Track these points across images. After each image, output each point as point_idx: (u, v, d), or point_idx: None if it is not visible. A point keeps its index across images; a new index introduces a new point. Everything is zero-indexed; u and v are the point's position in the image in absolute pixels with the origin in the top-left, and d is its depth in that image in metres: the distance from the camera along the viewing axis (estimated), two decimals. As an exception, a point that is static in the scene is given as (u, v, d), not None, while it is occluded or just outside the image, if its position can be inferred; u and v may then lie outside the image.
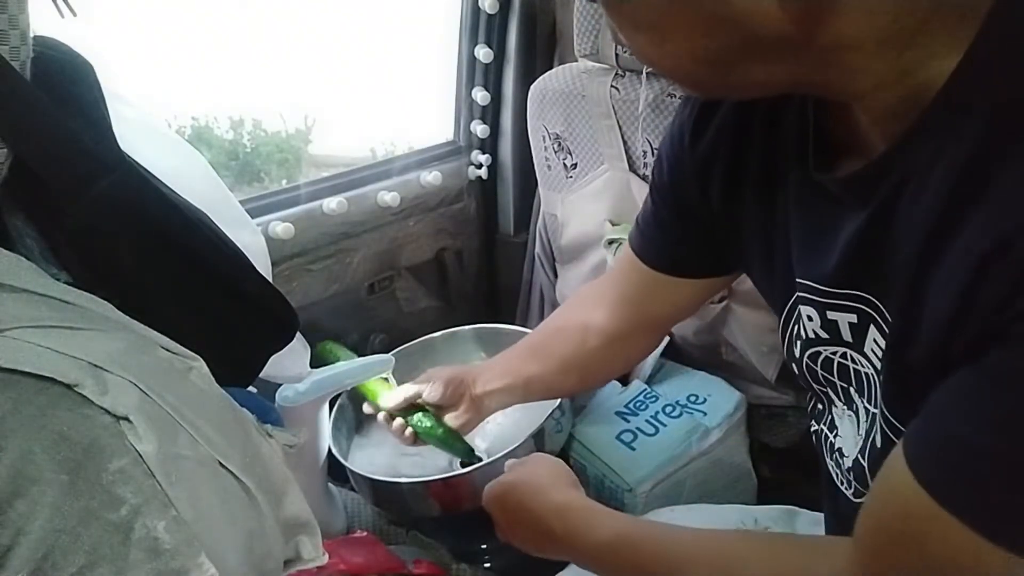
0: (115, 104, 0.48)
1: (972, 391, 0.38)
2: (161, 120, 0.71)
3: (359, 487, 1.04)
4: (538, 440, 1.00)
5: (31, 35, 0.43)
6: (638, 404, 1.17)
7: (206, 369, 0.48)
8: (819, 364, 0.57)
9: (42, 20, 0.45)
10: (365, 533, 1.02)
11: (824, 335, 0.54)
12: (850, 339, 0.52)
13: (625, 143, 1.14)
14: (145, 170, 0.50)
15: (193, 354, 0.47)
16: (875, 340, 0.49)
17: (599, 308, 0.79)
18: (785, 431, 1.18)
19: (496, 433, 1.10)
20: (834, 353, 0.55)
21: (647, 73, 1.05)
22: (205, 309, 0.54)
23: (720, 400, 1.16)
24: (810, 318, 0.55)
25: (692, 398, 1.17)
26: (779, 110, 0.54)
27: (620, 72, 1.11)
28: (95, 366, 0.39)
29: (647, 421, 1.14)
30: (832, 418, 0.61)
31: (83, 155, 0.45)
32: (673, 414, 1.14)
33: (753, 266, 0.63)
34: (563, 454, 1.11)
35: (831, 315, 0.52)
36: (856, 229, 0.47)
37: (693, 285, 0.72)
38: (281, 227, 1.11)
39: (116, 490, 0.37)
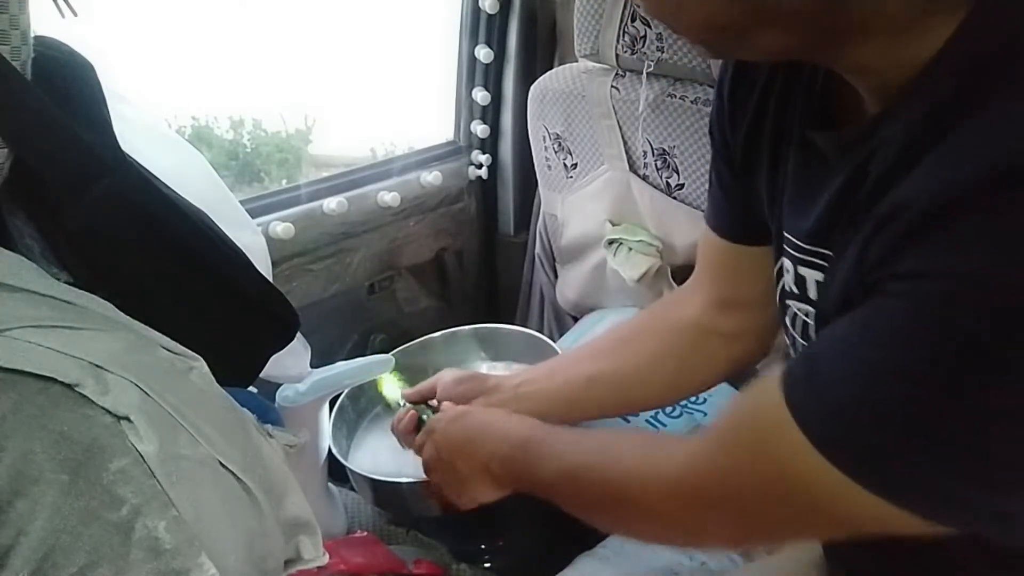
0: (115, 104, 0.48)
1: (843, 332, 0.42)
2: (161, 120, 0.71)
3: (359, 487, 1.04)
4: (538, 440, 1.00)
5: (32, 35, 0.43)
6: (638, 404, 1.17)
7: (206, 369, 0.48)
8: (790, 319, 0.59)
9: (43, 20, 0.45)
10: (365, 533, 1.02)
11: (795, 290, 0.56)
12: (814, 297, 0.54)
13: (625, 143, 1.14)
14: (145, 170, 0.50)
15: (194, 354, 0.47)
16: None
17: (687, 303, 0.74)
18: (785, 431, 1.18)
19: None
20: (799, 310, 0.56)
21: (647, 73, 1.05)
22: (205, 309, 0.54)
23: (720, 400, 1.16)
24: (787, 271, 0.57)
25: (692, 398, 1.17)
26: (794, 80, 0.55)
27: (620, 72, 1.11)
28: (96, 366, 0.39)
29: (647, 421, 1.13)
30: None
31: (83, 155, 0.45)
32: (673, 414, 1.14)
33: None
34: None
35: (801, 270, 0.54)
36: (835, 189, 0.49)
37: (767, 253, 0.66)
38: (281, 227, 1.11)
39: (117, 490, 0.37)
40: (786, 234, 0.56)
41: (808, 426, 0.42)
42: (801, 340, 0.58)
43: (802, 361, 0.45)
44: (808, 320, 0.56)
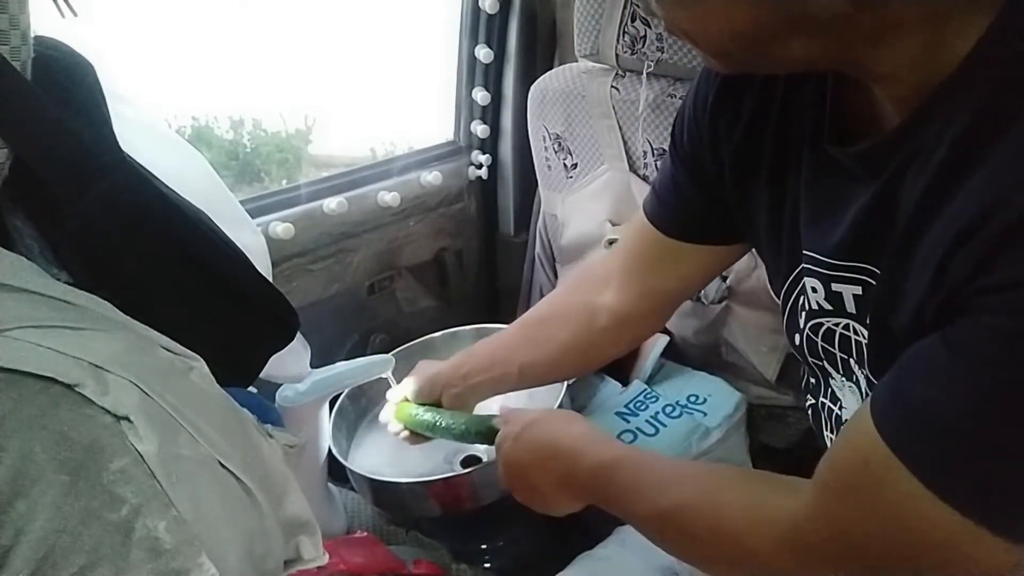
0: (115, 104, 0.48)
1: (933, 356, 0.40)
2: (161, 120, 0.71)
3: (359, 487, 1.04)
4: (538, 440, 1.00)
5: (32, 35, 0.43)
6: (638, 404, 1.17)
7: (206, 369, 0.48)
8: (820, 336, 0.58)
9: (42, 20, 0.45)
10: (365, 533, 1.02)
11: (828, 307, 0.55)
12: (854, 311, 0.53)
13: (625, 143, 1.14)
14: (145, 170, 0.50)
15: (193, 354, 0.47)
16: None
17: (606, 288, 0.78)
18: (785, 431, 1.18)
19: (496, 433, 1.10)
20: (836, 324, 0.55)
21: (647, 74, 1.05)
22: (205, 309, 0.54)
23: (720, 400, 1.16)
24: (814, 290, 0.56)
25: (692, 398, 1.17)
26: (796, 92, 0.54)
27: (620, 72, 1.11)
28: (96, 366, 0.39)
29: (647, 421, 1.13)
30: (832, 391, 0.62)
31: (83, 155, 0.45)
32: (673, 414, 1.14)
33: (761, 243, 0.63)
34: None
35: (835, 287, 0.53)
36: (865, 202, 0.48)
37: (702, 255, 0.71)
38: (281, 227, 1.11)
39: (117, 490, 0.37)
40: (808, 252, 0.55)
41: (909, 457, 0.40)
42: (840, 353, 0.57)
43: (890, 392, 0.43)
44: (848, 333, 0.55)
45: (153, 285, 0.50)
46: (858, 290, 0.52)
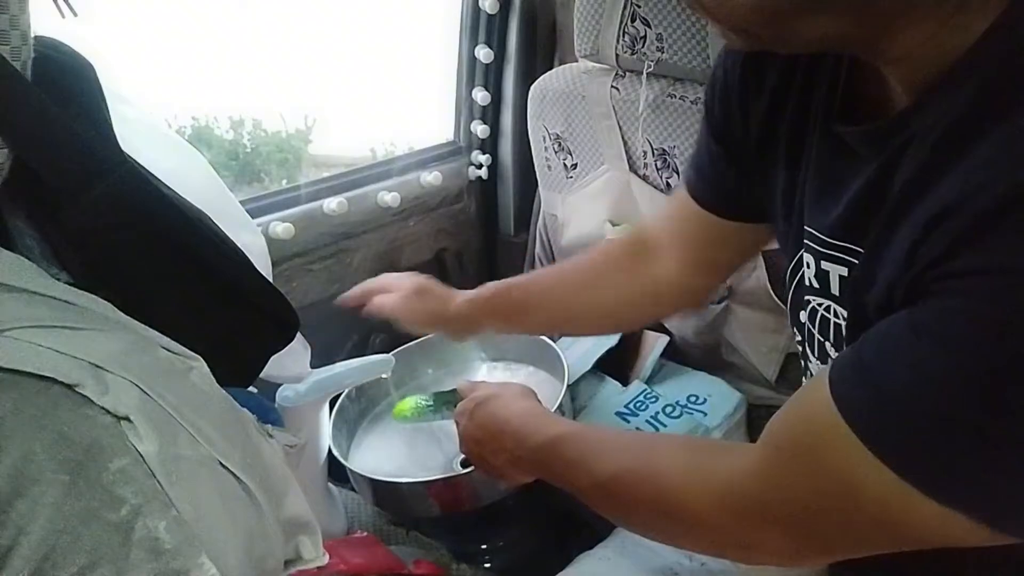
0: (116, 104, 0.48)
1: (896, 333, 0.41)
2: (161, 120, 0.71)
3: (359, 487, 1.04)
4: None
5: (32, 35, 0.43)
6: (638, 404, 1.17)
7: (206, 369, 0.48)
8: (807, 313, 0.59)
9: (43, 20, 0.45)
10: (365, 533, 1.02)
11: (816, 285, 0.56)
12: (837, 292, 0.53)
13: (625, 143, 1.14)
14: (145, 170, 0.50)
15: (193, 354, 0.47)
16: None
17: (663, 260, 0.78)
18: (785, 431, 1.18)
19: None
20: (819, 305, 0.56)
21: (647, 73, 1.05)
22: (205, 309, 0.54)
23: (720, 400, 1.16)
24: (808, 265, 0.57)
25: (692, 398, 1.17)
26: (814, 72, 0.54)
27: (620, 72, 1.11)
28: (96, 366, 0.39)
29: (647, 421, 1.13)
30: (810, 372, 0.63)
31: (84, 155, 0.45)
32: (673, 415, 1.14)
33: (777, 223, 0.64)
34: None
35: (824, 265, 0.54)
36: (862, 182, 0.48)
37: (744, 232, 0.71)
38: (281, 227, 1.11)
39: (117, 490, 0.37)
40: (808, 228, 0.56)
41: (858, 424, 0.42)
42: (819, 335, 0.57)
43: (851, 361, 0.44)
44: (828, 315, 0.55)
45: (153, 285, 0.50)
46: (844, 271, 0.52)
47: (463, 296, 0.87)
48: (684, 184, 0.73)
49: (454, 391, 0.88)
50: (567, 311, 0.84)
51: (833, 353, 0.56)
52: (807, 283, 0.57)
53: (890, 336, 0.42)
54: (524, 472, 0.70)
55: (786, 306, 0.65)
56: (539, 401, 0.76)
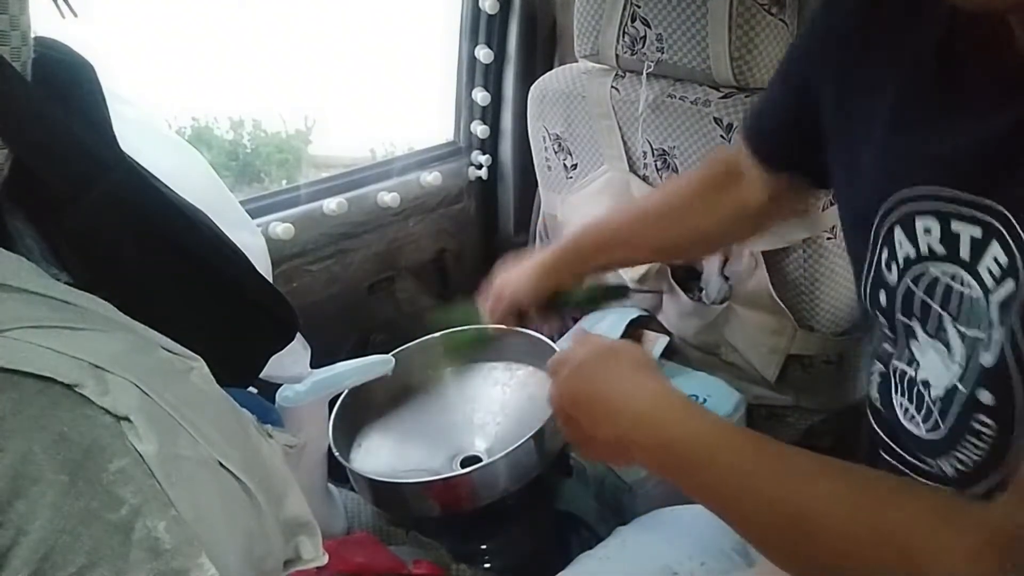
0: (115, 104, 0.48)
1: None
2: (161, 120, 0.71)
3: (359, 487, 1.04)
4: (538, 440, 1.00)
5: (32, 36, 0.43)
6: (638, 404, 1.17)
7: (206, 369, 0.48)
8: (921, 286, 0.53)
9: (43, 20, 0.45)
10: (365, 533, 1.02)
11: (941, 251, 0.51)
12: (967, 257, 0.49)
13: (625, 144, 1.14)
14: (145, 170, 0.50)
15: (193, 354, 0.47)
16: (995, 259, 0.47)
17: (735, 182, 0.81)
18: (785, 431, 1.18)
19: (496, 433, 1.10)
20: (943, 273, 0.51)
21: (647, 74, 1.05)
22: (205, 309, 0.54)
23: (720, 400, 1.16)
24: (928, 231, 0.51)
25: (692, 398, 1.17)
26: (913, 14, 0.53)
27: (620, 73, 1.11)
28: (96, 366, 0.39)
29: (647, 421, 1.13)
30: (911, 352, 0.57)
31: (83, 155, 0.45)
32: (673, 414, 1.14)
33: (840, 181, 0.62)
34: (564, 454, 1.11)
35: (955, 226, 0.49)
36: (999, 134, 0.45)
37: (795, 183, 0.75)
38: (281, 227, 1.11)
39: (116, 490, 0.37)
40: (925, 187, 0.51)
41: None
42: (940, 309, 0.52)
43: None
44: (955, 284, 0.50)
45: (153, 285, 0.50)
46: (977, 232, 0.47)
47: (562, 242, 0.91)
48: (743, 135, 0.77)
49: (624, 288, 0.89)
50: (674, 238, 0.88)
51: (951, 327, 0.51)
52: (924, 251, 0.52)
53: None
54: (627, 459, 0.61)
55: (864, 286, 0.59)
56: (664, 381, 0.64)
